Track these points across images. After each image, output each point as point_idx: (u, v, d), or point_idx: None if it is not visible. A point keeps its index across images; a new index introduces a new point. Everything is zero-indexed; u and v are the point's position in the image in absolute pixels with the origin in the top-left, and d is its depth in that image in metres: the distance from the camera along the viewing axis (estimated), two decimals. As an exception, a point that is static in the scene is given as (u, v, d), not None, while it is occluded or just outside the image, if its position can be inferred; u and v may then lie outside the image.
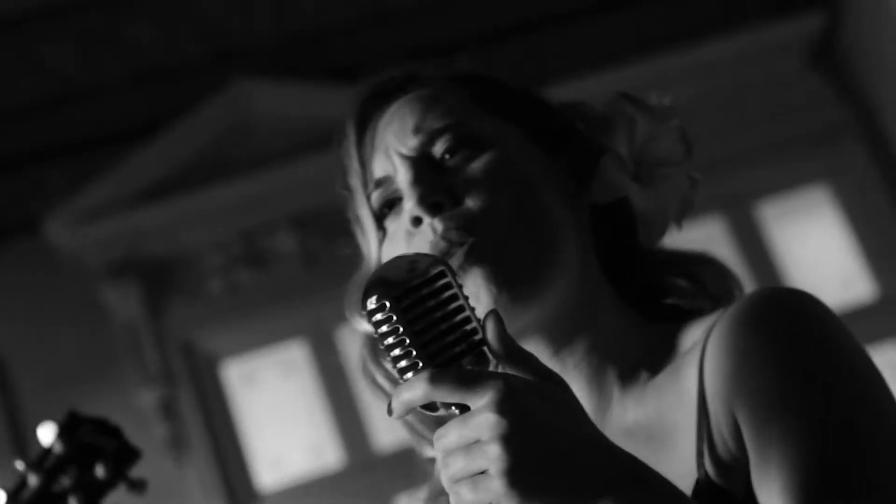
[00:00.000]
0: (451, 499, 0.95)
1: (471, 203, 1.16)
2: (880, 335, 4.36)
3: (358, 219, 1.25)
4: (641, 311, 1.23)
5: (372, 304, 0.97)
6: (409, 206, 1.17)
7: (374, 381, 1.26)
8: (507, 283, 1.14)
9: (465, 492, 0.94)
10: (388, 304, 0.97)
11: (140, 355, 4.20)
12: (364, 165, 1.23)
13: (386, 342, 0.97)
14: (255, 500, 4.17)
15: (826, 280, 4.43)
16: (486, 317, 0.98)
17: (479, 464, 0.93)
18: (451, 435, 0.95)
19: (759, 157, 4.47)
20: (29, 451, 4.07)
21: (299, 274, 4.30)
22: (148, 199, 4.31)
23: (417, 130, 1.20)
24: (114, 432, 1.38)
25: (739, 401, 1.04)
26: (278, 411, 4.29)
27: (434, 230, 1.15)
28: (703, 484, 1.06)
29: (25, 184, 4.36)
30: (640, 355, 1.18)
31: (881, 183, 4.46)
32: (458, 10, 4.39)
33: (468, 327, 0.98)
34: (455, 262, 1.13)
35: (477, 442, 0.93)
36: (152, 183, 4.33)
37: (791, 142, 4.49)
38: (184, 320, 4.29)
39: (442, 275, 0.98)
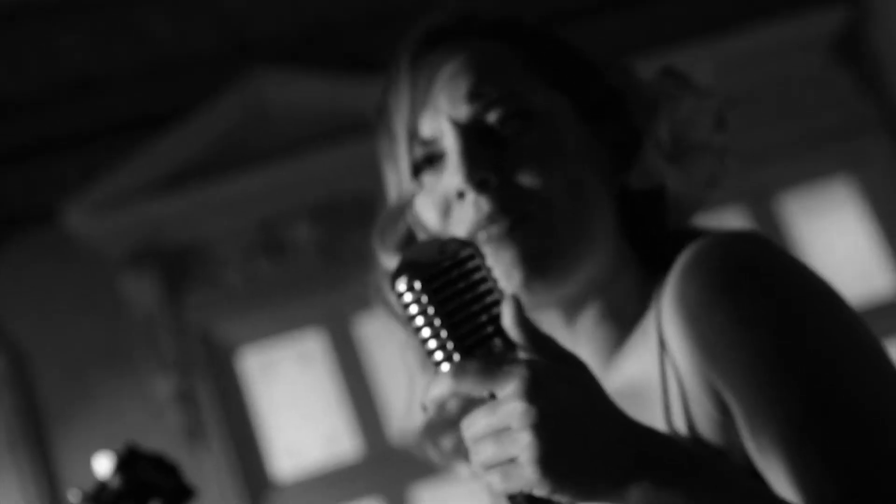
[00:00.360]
0: (482, 485, 0.95)
1: (517, 181, 1.16)
2: (899, 329, 4.35)
3: (393, 161, 1.24)
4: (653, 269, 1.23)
5: (402, 285, 0.98)
6: (457, 180, 1.16)
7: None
8: (539, 268, 1.14)
9: (497, 480, 0.94)
10: (418, 285, 0.97)
11: (157, 344, 4.21)
12: (414, 112, 1.21)
13: (416, 323, 0.98)
14: (271, 489, 4.17)
15: (847, 273, 4.42)
16: (503, 303, 0.98)
17: (510, 451, 0.93)
18: (479, 423, 0.95)
19: (781, 150, 4.45)
20: (47, 441, 4.08)
21: (317, 264, 4.29)
22: (166, 188, 4.31)
23: (470, 98, 1.19)
24: (171, 470, 1.39)
25: (710, 364, 1.04)
26: (295, 401, 4.30)
27: (478, 207, 1.15)
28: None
29: (42, 174, 4.37)
30: (636, 309, 1.19)
31: (903, 177, 4.45)
32: (473, 1, 4.37)
33: (497, 310, 0.98)
34: (494, 234, 1.14)
35: (506, 429, 0.93)
36: (171, 172, 4.33)
37: (814, 135, 4.47)
38: (201, 309, 4.29)
39: (472, 257, 0.99)
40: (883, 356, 1.05)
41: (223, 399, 4.20)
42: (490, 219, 1.15)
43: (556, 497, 0.93)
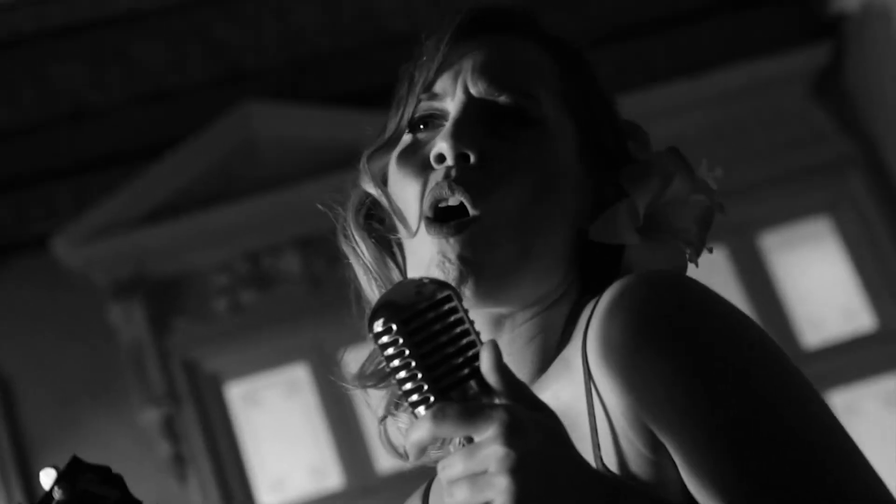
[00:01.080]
0: None
1: (490, 171, 1.17)
2: (880, 366, 4.38)
3: (400, 105, 1.25)
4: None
5: (379, 326, 0.99)
6: (443, 143, 1.17)
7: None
8: (469, 278, 1.14)
9: None
10: (395, 326, 0.98)
11: (144, 374, 4.23)
12: (439, 70, 1.22)
13: (392, 364, 0.99)
14: (256, 519, 4.19)
15: (827, 310, 4.45)
16: (482, 349, 0.99)
17: (486, 495, 0.95)
18: (457, 465, 0.96)
19: (761, 187, 4.49)
20: (33, 468, 4.09)
21: (303, 296, 4.32)
22: (155, 219, 4.34)
23: (492, 79, 1.20)
24: (116, 482, 1.40)
25: (641, 406, 1.05)
26: (281, 432, 4.31)
27: (447, 175, 1.16)
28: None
29: (34, 202, 4.39)
30: (566, 328, 1.19)
31: (882, 215, 4.49)
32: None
33: (472, 352, 1.00)
34: (444, 232, 1.14)
35: (483, 473, 0.95)
36: (160, 203, 4.36)
37: (794, 173, 4.51)
38: (188, 340, 4.31)
39: (448, 299, 1.00)
40: (808, 386, 1.06)
41: (209, 429, 4.22)
42: (451, 188, 1.15)
43: None
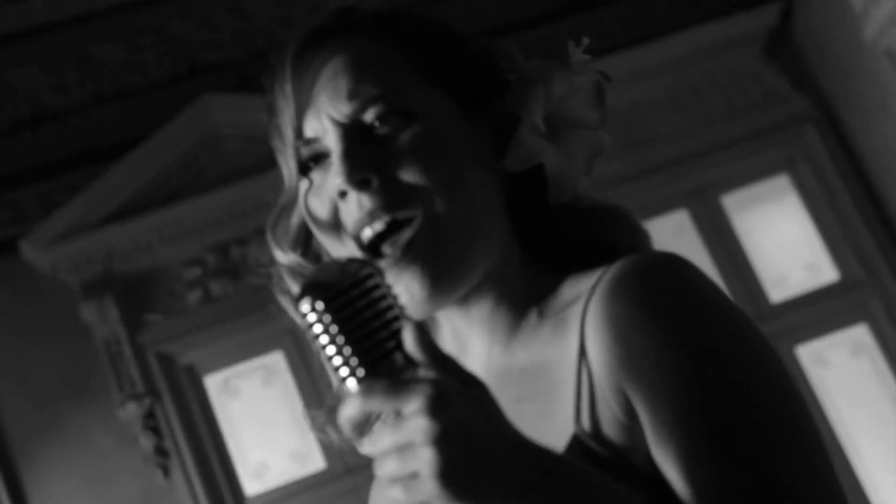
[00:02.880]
0: (385, 499, 0.98)
1: (399, 178, 1.18)
2: (845, 316, 4.45)
3: (284, 157, 1.25)
4: (542, 260, 1.26)
5: (305, 306, 1.01)
6: (338, 181, 1.18)
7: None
8: (440, 279, 1.17)
9: (399, 493, 0.97)
10: (320, 305, 1.01)
11: (121, 370, 4.24)
12: (299, 112, 1.22)
13: (320, 342, 1.02)
14: (242, 507, 4.22)
15: (790, 266, 4.51)
16: (405, 327, 1.01)
17: (412, 466, 0.96)
18: (384, 439, 0.98)
19: (720, 150, 4.54)
20: (17, 473, 4.10)
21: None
22: (122, 216, 4.35)
23: (350, 96, 1.20)
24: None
25: (626, 373, 1.09)
26: (260, 419, 4.34)
27: (360, 205, 1.17)
28: (577, 439, 1.11)
29: (1, 206, 4.39)
30: (534, 301, 1.22)
31: (839, 169, 4.55)
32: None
33: (398, 325, 1.02)
34: (389, 260, 1.16)
35: (410, 445, 0.96)
36: (125, 201, 4.37)
37: (751, 134, 4.56)
38: (163, 334, 4.33)
39: (371, 276, 1.02)
40: (786, 378, 1.11)
41: (189, 420, 4.24)
42: (372, 215, 1.17)
43: None
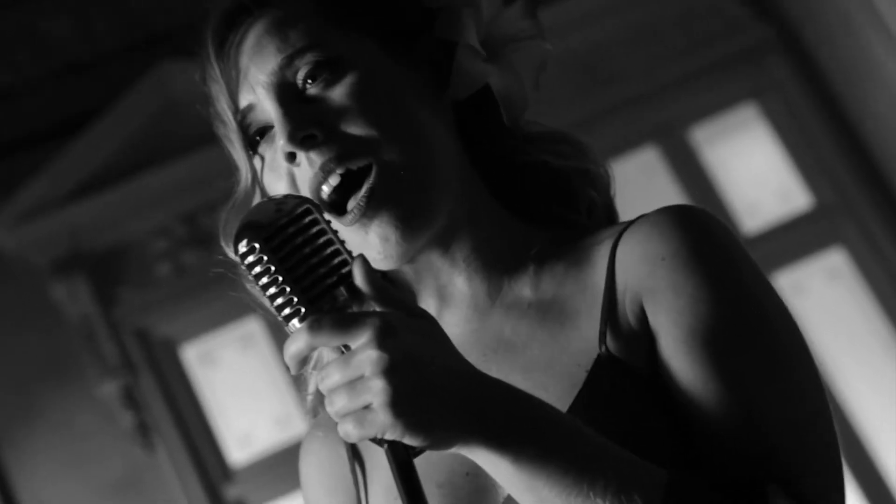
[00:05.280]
0: (339, 434, 0.98)
1: (342, 129, 1.16)
2: (820, 242, 4.45)
3: (231, 143, 1.25)
4: (517, 213, 1.27)
5: (243, 247, 1.01)
6: (281, 143, 1.16)
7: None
8: (412, 216, 1.16)
9: (351, 427, 0.97)
10: (257, 245, 1.00)
11: (97, 348, 4.21)
12: (232, 92, 1.22)
13: (261, 282, 1.01)
14: (229, 477, 4.20)
15: (764, 194, 4.50)
16: (354, 263, 1.01)
17: (364, 398, 0.96)
18: (334, 374, 0.98)
19: (685, 84, 4.52)
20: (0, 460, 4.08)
21: (246, 249, 4.30)
22: (85, 192, 4.31)
23: (275, 55, 1.19)
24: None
25: (650, 296, 1.12)
26: (242, 387, 4.32)
27: (311, 163, 1.16)
28: (604, 357, 1.12)
29: (-39, 190, 4.35)
30: (523, 248, 1.22)
31: (806, 95, 4.53)
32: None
33: (338, 259, 1.01)
34: (356, 213, 1.15)
35: (360, 378, 0.96)
36: (88, 176, 4.32)
37: (714, 65, 4.54)
38: (136, 308, 4.30)
39: (308, 212, 1.02)
40: (797, 330, 1.14)
41: (169, 394, 4.22)
42: (324, 170, 1.16)
43: (409, 440, 0.97)
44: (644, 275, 1.12)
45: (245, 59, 1.21)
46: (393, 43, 1.23)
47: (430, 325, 1.01)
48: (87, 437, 4.12)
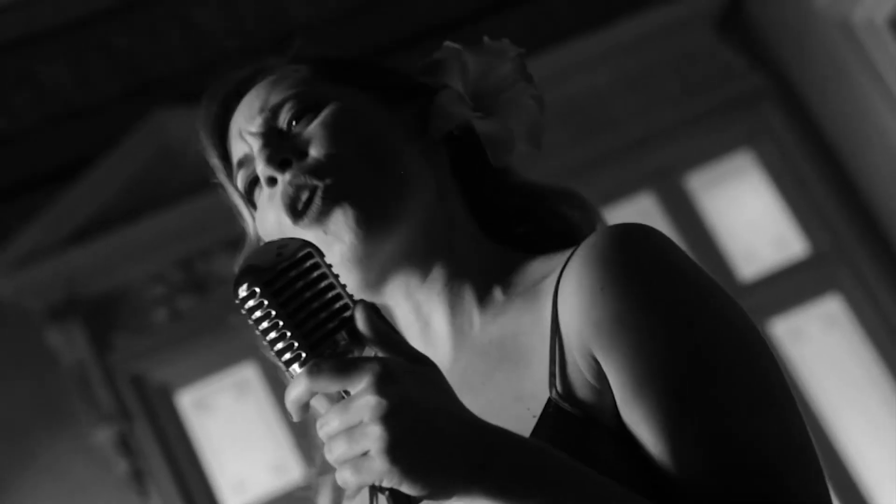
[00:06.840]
0: (338, 481, 0.97)
1: (315, 152, 1.20)
2: (816, 289, 4.45)
3: (234, 206, 1.29)
4: (499, 239, 1.28)
5: (243, 291, 1.00)
6: (261, 167, 1.21)
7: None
8: (365, 217, 1.18)
9: (349, 474, 0.96)
10: (258, 289, 0.99)
11: (92, 394, 4.19)
12: (228, 160, 1.28)
13: (261, 327, 1.00)
14: (224, 524, 4.18)
15: (760, 241, 4.51)
16: (355, 305, 1.01)
17: (362, 445, 0.95)
18: (333, 420, 0.97)
19: (680, 130, 4.54)
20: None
21: (241, 295, 4.30)
22: (81, 237, 4.30)
23: (263, 108, 1.24)
24: None
25: (597, 337, 1.09)
26: (237, 434, 4.30)
27: (284, 185, 1.19)
28: (553, 402, 1.10)
29: (-43, 236, 4.34)
30: (496, 278, 1.23)
31: (800, 141, 4.55)
32: (356, 29, 4.42)
33: (339, 304, 1.01)
34: (314, 211, 1.17)
35: (359, 424, 0.96)
36: (84, 221, 4.32)
37: (710, 112, 4.56)
38: (131, 354, 4.28)
39: (309, 256, 1.01)
40: (761, 343, 1.11)
41: (164, 441, 4.19)
42: (296, 187, 1.18)
43: (407, 487, 0.95)
44: (586, 307, 1.09)
45: (237, 120, 1.27)
46: (379, 93, 1.27)
47: (431, 371, 1.00)
48: (81, 484, 4.10)
